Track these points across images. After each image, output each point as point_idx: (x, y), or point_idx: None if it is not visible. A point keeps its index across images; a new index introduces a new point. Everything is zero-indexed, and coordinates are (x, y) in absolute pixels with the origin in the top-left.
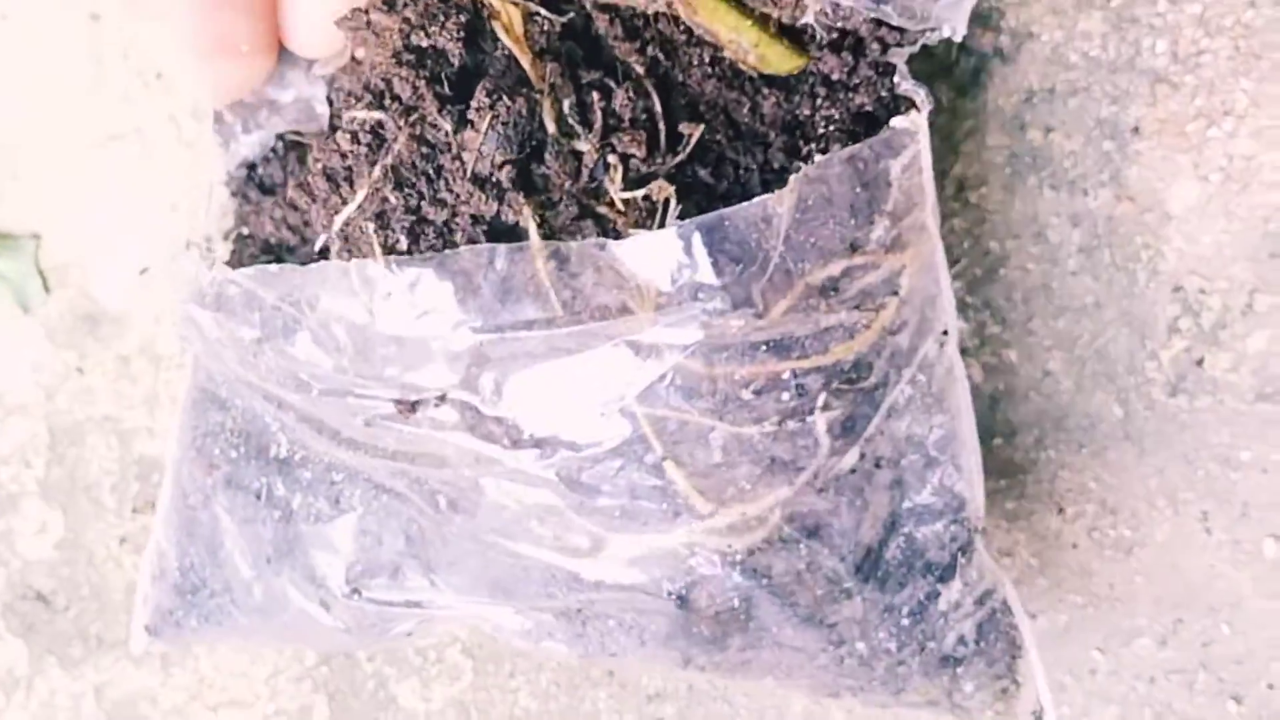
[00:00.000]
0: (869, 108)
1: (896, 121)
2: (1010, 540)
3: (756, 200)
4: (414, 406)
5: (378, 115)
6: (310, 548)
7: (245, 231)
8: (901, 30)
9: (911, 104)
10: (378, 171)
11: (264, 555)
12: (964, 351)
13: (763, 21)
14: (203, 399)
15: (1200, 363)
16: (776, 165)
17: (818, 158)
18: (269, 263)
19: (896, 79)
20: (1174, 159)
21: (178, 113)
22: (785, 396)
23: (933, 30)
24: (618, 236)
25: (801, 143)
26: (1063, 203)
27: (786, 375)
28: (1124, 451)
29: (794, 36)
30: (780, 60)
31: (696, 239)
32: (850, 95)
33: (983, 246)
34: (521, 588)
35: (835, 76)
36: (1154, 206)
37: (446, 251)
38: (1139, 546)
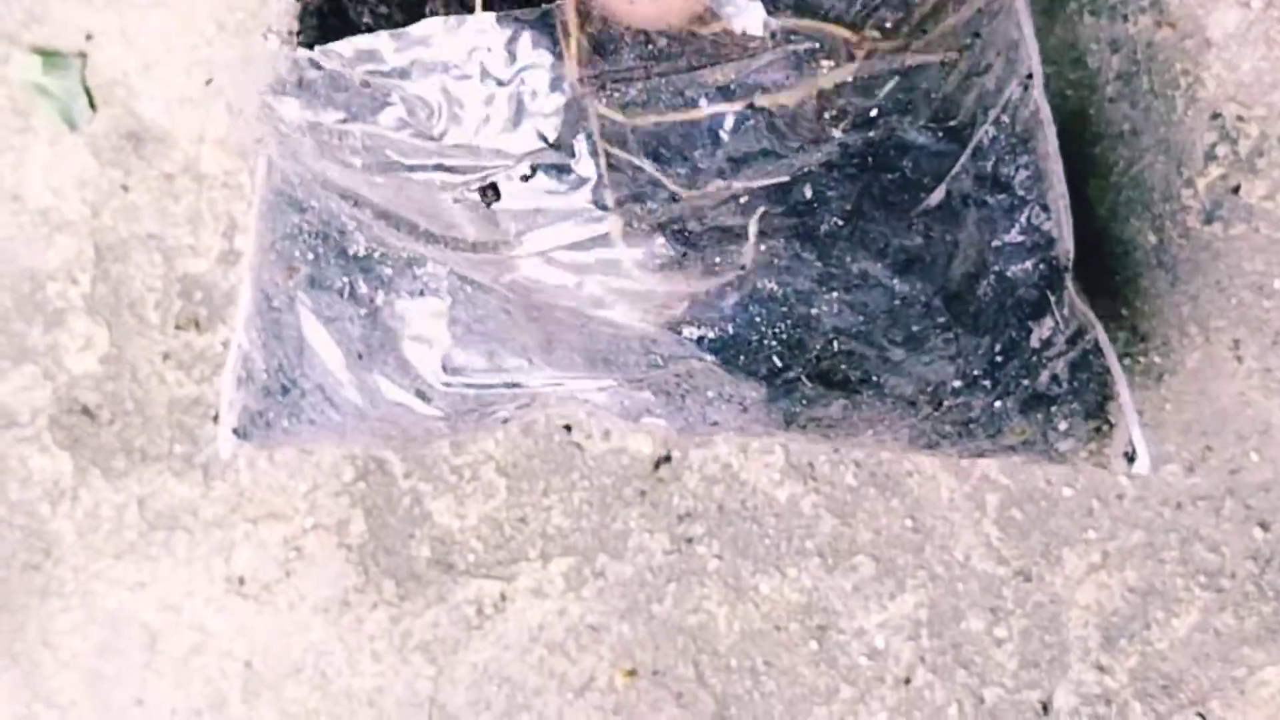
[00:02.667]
0: None
1: None
2: None
3: None
4: (497, 191)
5: None
6: (401, 340)
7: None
8: None
9: None
10: None
11: (354, 351)
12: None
13: None
14: (278, 202)
15: (1236, 190)
16: None
17: None
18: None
19: None
20: None
21: None
22: (873, 134)
23: None
24: None
25: None
26: (1102, 28)
27: (874, 113)
28: (1157, 279)
29: None
30: None
31: None
32: None
33: None
34: (622, 358)
35: None
36: (1194, 33)
37: (541, 7)
38: (1169, 374)
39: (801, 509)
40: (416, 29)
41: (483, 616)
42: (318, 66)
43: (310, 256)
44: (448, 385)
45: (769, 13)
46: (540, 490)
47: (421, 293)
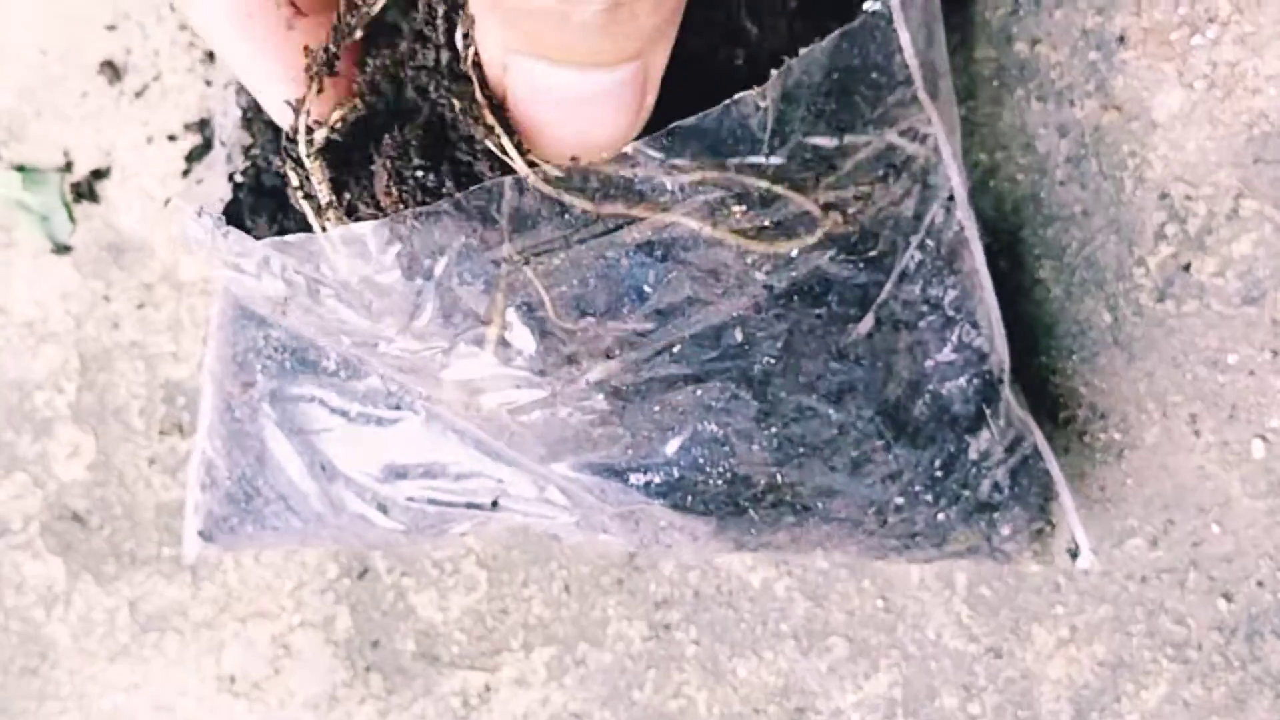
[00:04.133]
0: None
1: (868, 5)
2: None
3: (741, 96)
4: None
5: None
6: (368, 455)
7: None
8: None
9: None
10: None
11: (317, 463)
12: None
13: None
14: (239, 316)
15: (1187, 268)
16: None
17: (801, 51)
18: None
19: None
20: (1159, 67)
21: (192, 42)
22: (794, 274)
23: None
24: None
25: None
26: (1050, 113)
27: (794, 253)
28: (1113, 356)
29: None
30: None
31: (684, 142)
32: None
33: (972, 158)
34: (574, 498)
35: None
36: (1140, 115)
37: (454, 197)
38: (1129, 449)
39: (775, 593)
40: (317, 239)
41: (468, 708)
42: (251, 254)
43: (273, 370)
44: (409, 501)
45: (674, 162)
46: (520, 581)
47: (397, 406)
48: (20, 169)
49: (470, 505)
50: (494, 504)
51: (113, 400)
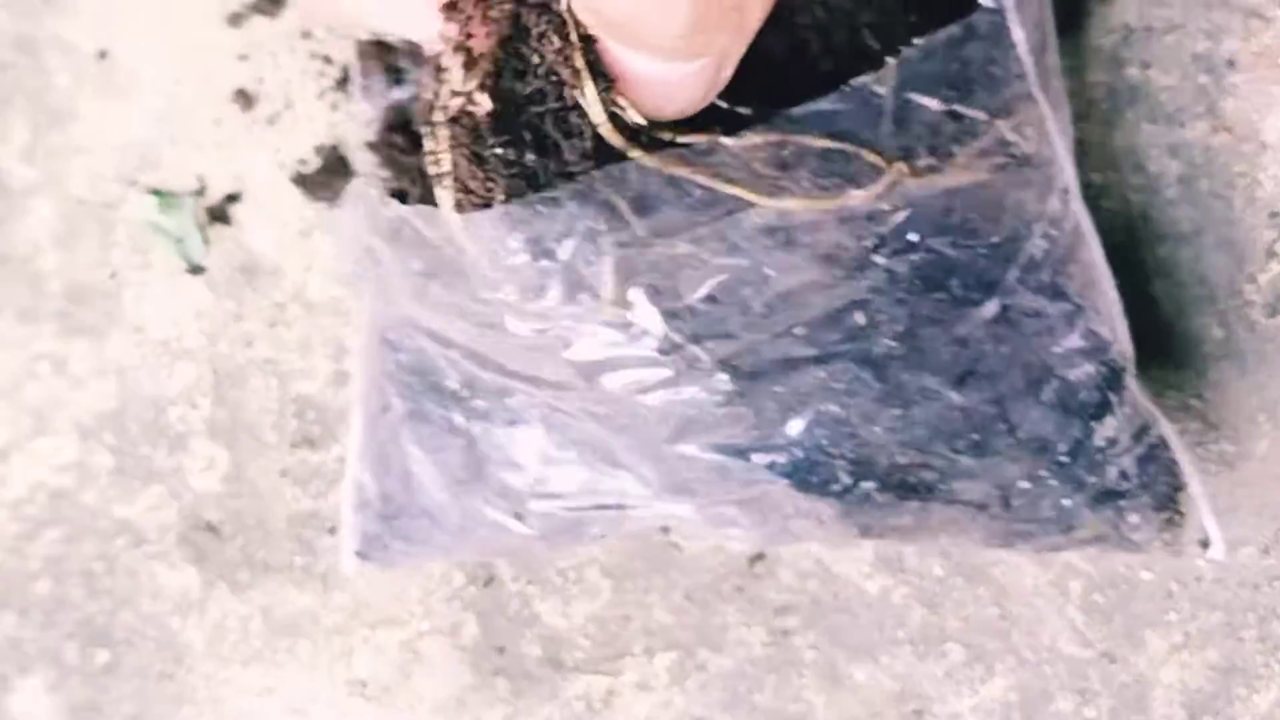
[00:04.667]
0: None
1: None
2: None
3: (859, 82)
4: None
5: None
6: (497, 467)
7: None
8: None
9: None
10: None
11: (455, 479)
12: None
13: None
14: (376, 344)
15: None
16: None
17: (917, 40)
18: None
19: None
20: (1269, 90)
21: (322, 71)
22: (915, 258)
23: None
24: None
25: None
26: (1161, 135)
27: (914, 237)
28: (1225, 371)
29: None
30: None
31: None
32: None
33: (1084, 178)
34: (700, 484)
35: None
36: (1250, 137)
37: (577, 183)
38: (1241, 460)
39: (892, 600)
40: (458, 220)
41: (592, 712)
42: (405, 219)
43: (408, 393)
44: (542, 508)
45: (796, 134)
46: (642, 589)
47: (514, 422)
48: (156, 194)
49: (599, 507)
50: (618, 505)
51: (245, 415)
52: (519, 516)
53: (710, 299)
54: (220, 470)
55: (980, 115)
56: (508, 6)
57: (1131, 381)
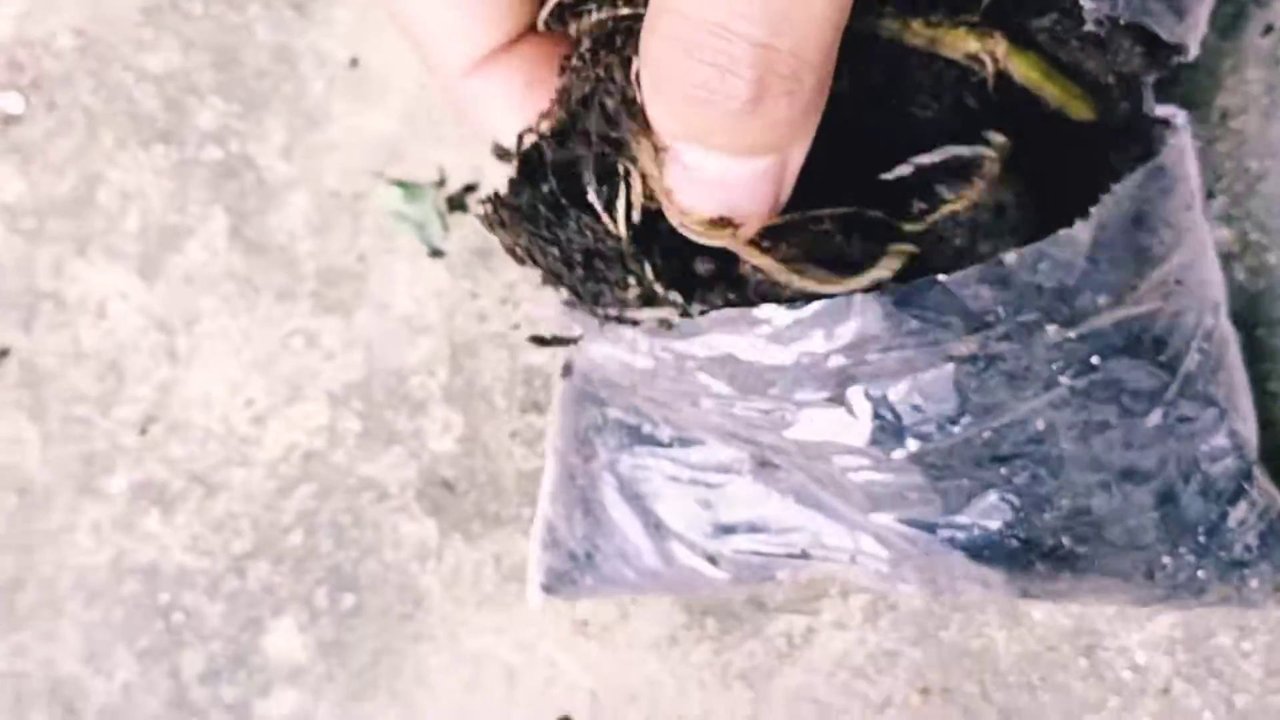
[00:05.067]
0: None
1: (1167, 142)
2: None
3: (1065, 232)
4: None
5: None
6: (698, 515)
7: None
8: (1154, 53)
9: (1159, 122)
10: None
11: (652, 523)
12: (1228, 257)
13: (1062, 72)
14: (580, 398)
15: None
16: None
17: (1114, 188)
18: None
19: (1146, 103)
20: None
21: None
22: (1095, 377)
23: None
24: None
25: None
26: None
27: (1095, 360)
28: None
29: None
30: (1080, 110)
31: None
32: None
33: (1244, 165)
34: (890, 544)
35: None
36: None
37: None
38: None
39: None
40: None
41: (793, 647)
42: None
43: (612, 444)
44: (736, 553)
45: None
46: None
47: (724, 472)
48: (401, 185)
49: (789, 555)
50: (803, 553)
51: (479, 383)
52: (713, 561)
53: (914, 406)
54: (455, 433)
55: (1160, 249)
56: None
57: (1258, 469)
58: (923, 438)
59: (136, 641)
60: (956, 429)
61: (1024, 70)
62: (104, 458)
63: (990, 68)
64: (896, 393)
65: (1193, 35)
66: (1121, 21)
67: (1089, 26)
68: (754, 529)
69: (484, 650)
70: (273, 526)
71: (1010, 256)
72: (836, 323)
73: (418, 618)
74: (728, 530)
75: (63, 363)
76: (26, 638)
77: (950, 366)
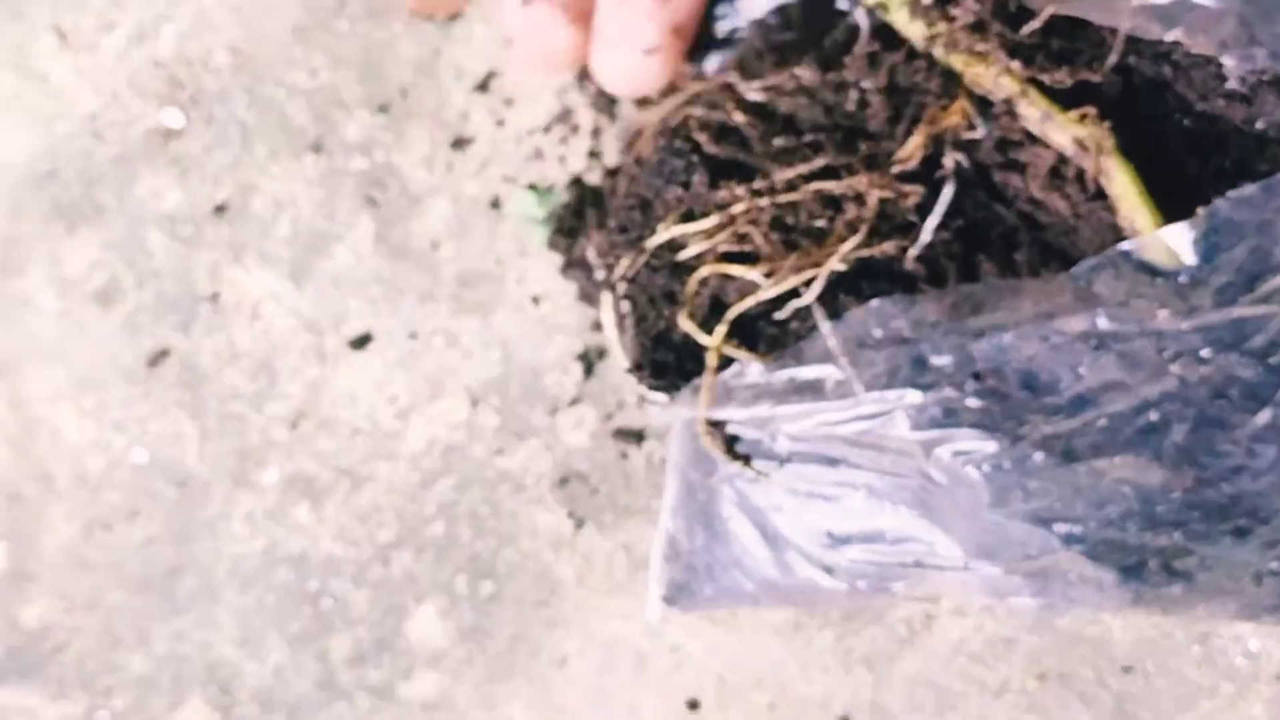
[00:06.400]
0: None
1: None
2: None
3: (1169, 228)
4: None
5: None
6: (816, 525)
7: None
8: None
9: None
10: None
11: (770, 535)
12: None
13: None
14: (695, 422)
15: None
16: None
17: (1227, 194)
18: None
19: None
20: None
21: None
22: (1205, 370)
23: None
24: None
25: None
26: None
27: (1206, 353)
28: None
29: None
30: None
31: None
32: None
33: None
34: (1002, 549)
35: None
36: None
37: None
38: None
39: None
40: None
41: (913, 633)
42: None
43: (734, 458)
44: (852, 563)
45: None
46: None
47: (840, 484)
48: (533, 189)
49: (902, 564)
50: (917, 563)
51: (610, 379)
52: (829, 571)
53: (1031, 388)
54: (588, 427)
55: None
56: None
57: None
58: (1041, 421)
59: (287, 626)
60: (1073, 414)
61: (1120, 178)
62: (257, 452)
63: (1093, 164)
64: (1013, 373)
65: None
66: (1264, 78)
67: (1232, 84)
68: (869, 539)
69: (616, 635)
70: (415, 517)
71: (1125, 245)
72: (946, 308)
73: (553, 604)
74: (844, 541)
75: (219, 362)
76: (185, 623)
77: (1064, 345)
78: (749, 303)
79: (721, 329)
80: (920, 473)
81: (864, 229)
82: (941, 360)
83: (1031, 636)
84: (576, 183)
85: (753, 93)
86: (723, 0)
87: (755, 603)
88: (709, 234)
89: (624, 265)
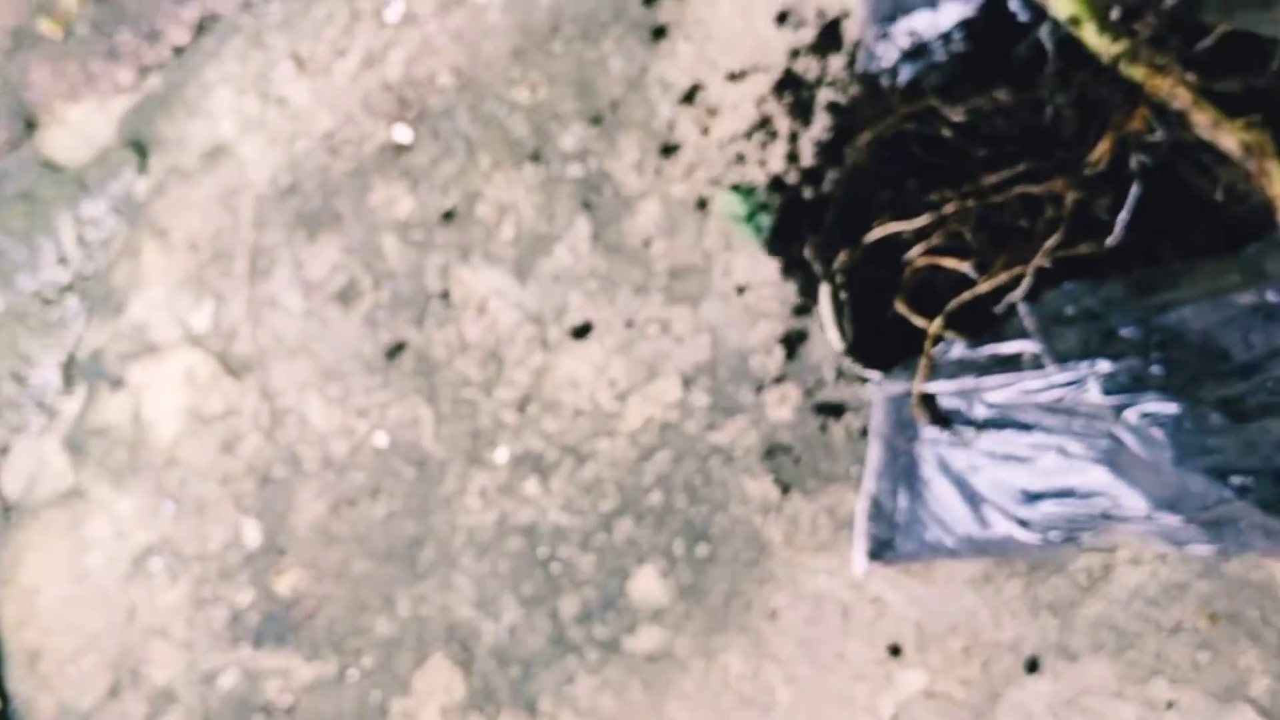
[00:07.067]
0: None
1: None
2: None
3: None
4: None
5: None
6: (1011, 483)
7: None
8: None
9: None
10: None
11: (969, 494)
12: None
13: None
14: (902, 392)
15: None
16: None
17: None
18: None
19: None
20: None
21: None
22: None
23: None
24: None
25: None
26: None
27: None
28: None
29: None
30: None
31: None
32: None
33: None
34: (1181, 500)
35: None
36: None
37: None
38: None
39: None
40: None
41: (1093, 580)
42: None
43: (931, 426)
44: (1045, 516)
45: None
46: None
47: (1036, 446)
48: (736, 189)
49: (1090, 516)
50: (1104, 514)
51: (811, 359)
52: (1024, 524)
53: (1208, 356)
54: (792, 403)
55: None
56: None
57: None
58: (1219, 383)
59: (520, 589)
60: (1247, 377)
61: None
62: (488, 433)
63: (1256, 166)
64: (1193, 339)
65: None
66: None
67: None
68: (1061, 495)
69: (821, 590)
70: (635, 488)
71: None
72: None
73: (762, 563)
74: (1037, 497)
75: (450, 353)
76: (427, 588)
77: (1238, 315)
78: (968, 296)
79: (941, 317)
80: (1108, 434)
81: (1063, 227)
82: (1128, 332)
83: (1202, 581)
84: (778, 185)
85: (956, 115)
86: (909, 15)
87: (954, 556)
88: (922, 231)
89: (842, 259)
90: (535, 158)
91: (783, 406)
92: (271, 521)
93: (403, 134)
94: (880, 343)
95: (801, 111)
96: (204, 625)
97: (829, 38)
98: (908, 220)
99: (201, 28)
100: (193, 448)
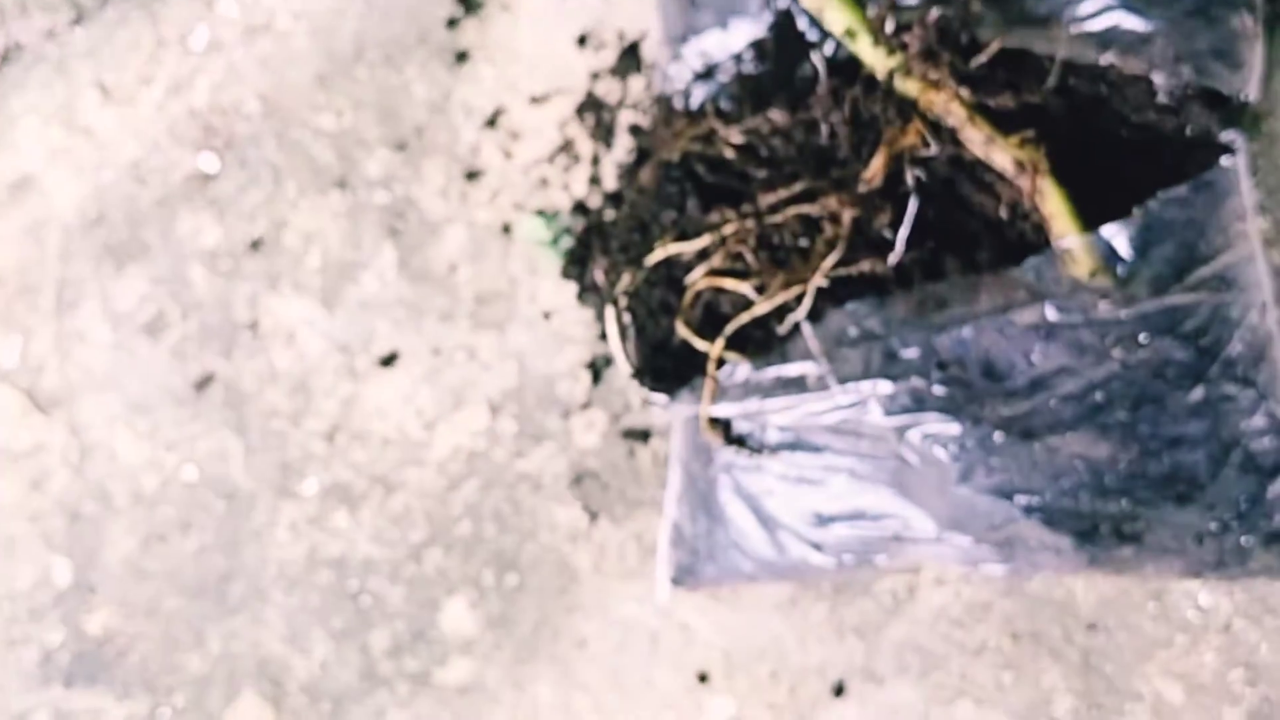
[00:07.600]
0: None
1: (1225, 161)
2: None
3: (1106, 227)
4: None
5: None
6: (804, 507)
7: None
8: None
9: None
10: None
11: (764, 517)
12: (1268, 243)
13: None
14: (694, 420)
15: None
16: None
17: (1158, 194)
18: None
19: (1210, 126)
20: None
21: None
22: (1143, 354)
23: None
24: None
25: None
26: None
27: (1144, 338)
28: None
29: None
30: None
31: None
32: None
33: (1275, 162)
34: (969, 521)
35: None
36: None
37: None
38: None
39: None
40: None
41: (898, 602)
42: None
43: (727, 451)
44: (839, 540)
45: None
46: None
47: (826, 469)
48: (540, 214)
49: (883, 538)
50: (896, 536)
51: (617, 384)
52: (818, 548)
53: (990, 375)
54: (599, 429)
55: (1207, 250)
56: None
57: None
58: (999, 404)
59: (330, 623)
60: (1027, 397)
61: (1052, 198)
62: (297, 464)
63: (1029, 183)
64: (973, 361)
65: (1251, 81)
66: (1189, 91)
67: (1161, 98)
68: (852, 517)
69: (630, 617)
70: (444, 518)
71: (1068, 240)
72: (913, 305)
73: (572, 591)
74: (829, 520)
75: (260, 384)
76: (237, 623)
77: (1017, 336)
78: (745, 318)
79: (720, 339)
80: (894, 455)
81: (841, 246)
82: (909, 353)
83: (1005, 600)
84: (581, 209)
85: (734, 136)
86: (700, 35)
87: (753, 580)
88: (703, 252)
89: (625, 281)
90: (341, 185)
91: (590, 432)
92: (81, 559)
93: (209, 162)
94: (671, 366)
95: (603, 134)
96: (14, 666)
97: (629, 59)
98: (689, 241)
99: (6, 58)
100: None
